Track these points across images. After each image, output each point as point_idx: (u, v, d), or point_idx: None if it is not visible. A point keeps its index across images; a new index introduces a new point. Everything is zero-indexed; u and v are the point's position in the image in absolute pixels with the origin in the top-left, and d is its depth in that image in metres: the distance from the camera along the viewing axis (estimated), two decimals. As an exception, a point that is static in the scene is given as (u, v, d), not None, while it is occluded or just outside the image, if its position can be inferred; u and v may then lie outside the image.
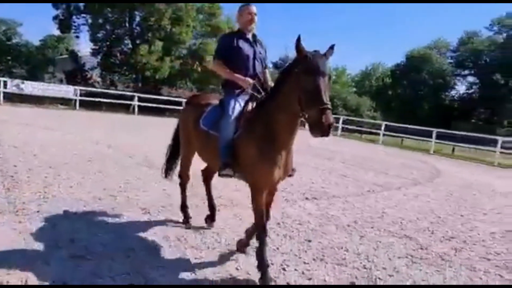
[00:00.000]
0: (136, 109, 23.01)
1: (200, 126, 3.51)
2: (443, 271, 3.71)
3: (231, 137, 3.12)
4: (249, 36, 3.54)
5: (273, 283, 3.07)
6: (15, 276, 2.75)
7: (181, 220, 4.33)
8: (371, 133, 25.56)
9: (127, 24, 27.45)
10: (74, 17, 27.65)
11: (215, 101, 3.63)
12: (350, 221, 5.06)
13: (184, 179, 4.39)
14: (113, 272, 2.97)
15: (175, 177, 6.57)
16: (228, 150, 3.12)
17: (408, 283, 3.36)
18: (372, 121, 28.86)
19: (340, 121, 23.70)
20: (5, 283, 2.65)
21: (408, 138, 22.08)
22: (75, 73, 28.57)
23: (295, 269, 3.40)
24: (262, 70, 3.57)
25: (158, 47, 25.24)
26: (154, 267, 3.15)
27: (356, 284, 3.24)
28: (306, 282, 3.17)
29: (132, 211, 4.53)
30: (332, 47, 2.78)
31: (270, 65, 41.52)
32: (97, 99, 22.03)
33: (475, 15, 77.05)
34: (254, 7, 3.53)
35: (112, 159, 7.66)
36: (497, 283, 3.59)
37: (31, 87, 20.81)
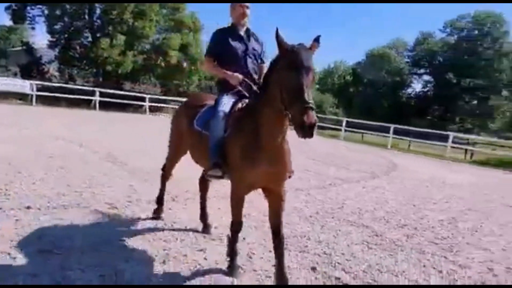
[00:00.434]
0: (98, 105, 22.36)
1: (194, 126, 3.38)
2: (395, 255, 4.05)
3: (220, 136, 3.01)
4: (242, 31, 3.41)
5: (240, 271, 3.24)
6: (-18, 272, 2.75)
7: (151, 214, 4.40)
8: (333, 129, 26.36)
9: (86, 17, 26.51)
10: (28, 7, 26.32)
11: (211, 102, 3.44)
12: (312, 212, 5.33)
13: (166, 174, 4.38)
14: (82, 265, 3.03)
15: (141, 173, 6.61)
16: (218, 149, 2.99)
17: (363, 267, 3.65)
18: (335, 117, 29.77)
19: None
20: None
21: (368, 134, 23.01)
22: (31, 67, 27.24)
23: (261, 257, 3.60)
24: (256, 66, 3.44)
25: (120, 41, 24.63)
26: (124, 259, 3.23)
27: (317, 268, 3.48)
28: (272, 269, 3.37)
29: (98, 206, 4.54)
30: (317, 40, 2.60)
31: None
32: (55, 94, 21.19)
33: (432, 16, 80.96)
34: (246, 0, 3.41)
35: (75, 155, 7.53)
36: (442, 264, 3.96)
37: (-19, 81, 19.68)
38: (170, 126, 4.11)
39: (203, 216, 4.21)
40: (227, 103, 3.15)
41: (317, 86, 48.23)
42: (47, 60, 28.34)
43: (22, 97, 21.08)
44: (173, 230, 4.08)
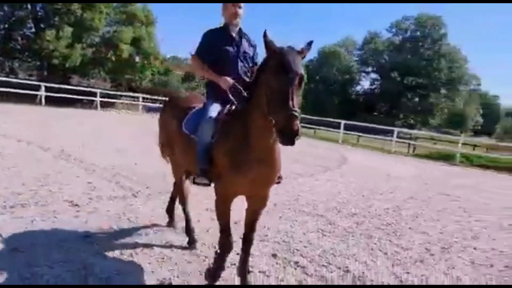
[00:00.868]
0: (44, 100, 21.20)
1: (183, 129, 3.19)
2: (347, 241, 4.44)
3: (208, 142, 2.86)
4: (234, 32, 3.21)
5: (207, 263, 3.43)
6: None
7: (113, 210, 4.43)
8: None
9: (29, 6, 24.92)
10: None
11: (200, 104, 3.31)
12: (270, 205, 5.62)
13: (180, 193, 3.98)
14: (49, 261, 3.07)
15: (98, 170, 6.53)
16: (206, 155, 2.86)
17: (319, 252, 3.98)
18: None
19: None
20: None
21: (321, 129, 23.88)
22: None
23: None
24: (248, 70, 3.26)
25: (67, 33, 23.44)
26: (91, 254, 3.30)
27: (277, 255, 3.76)
28: (237, 257, 3.59)
29: (58, 204, 4.50)
30: (310, 44, 2.52)
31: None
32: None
33: (381, 16, 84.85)
34: None
35: (25, 153, 7.25)
36: (388, 247, 4.41)
37: None
38: (158, 131, 3.92)
39: (171, 210, 4.26)
40: (216, 107, 3.02)
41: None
42: (-17, 52, 26.29)
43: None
44: (137, 225, 4.17)
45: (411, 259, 4.12)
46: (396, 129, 19.96)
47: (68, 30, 23.69)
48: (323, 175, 8.98)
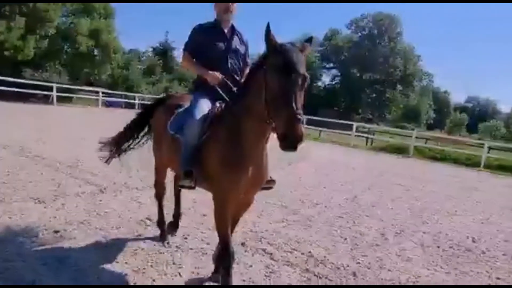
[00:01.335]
0: (-6, 94, 20.01)
1: (168, 129, 3.04)
2: (310, 228, 4.75)
3: (195, 143, 2.72)
4: (226, 28, 3.08)
5: (179, 252, 3.59)
6: None
7: (82, 206, 4.45)
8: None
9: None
10: None
11: (188, 103, 3.11)
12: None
13: (158, 189, 3.92)
14: (22, 256, 3.11)
15: (62, 167, 6.44)
16: (191, 157, 2.72)
17: (285, 239, 4.25)
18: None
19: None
20: None
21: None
22: None
23: (195, 238, 3.99)
24: (238, 68, 3.11)
25: (19, 24, 22.22)
26: (64, 248, 3.36)
27: (246, 243, 3.98)
28: (205, 246, 3.78)
29: (23, 201, 4.46)
30: (309, 40, 2.40)
31: (150, 50, 39.95)
32: None
33: (342, 13, 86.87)
34: None
35: (-18, 151, 6.98)
36: (347, 233, 4.76)
37: None
38: (153, 133, 3.79)
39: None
40: (203, 105, 2.86)
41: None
42: None
43: None
44: (108, 219, 4.23)
45: (368, 243, 4.49)
46: (355, 124, 20.79)
47: (20, 21, 22.46)
48: (288, 168, 9.31)
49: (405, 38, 48.25)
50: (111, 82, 30.79)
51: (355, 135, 20.42)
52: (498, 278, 3.91)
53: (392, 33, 47.47)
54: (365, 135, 22.24)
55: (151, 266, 3.28)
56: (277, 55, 2.19)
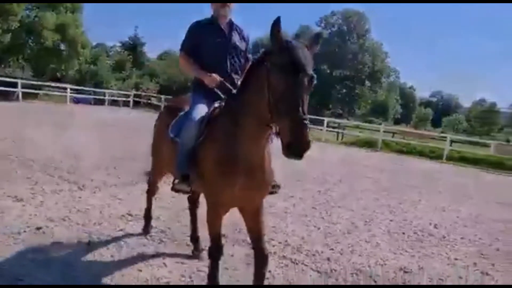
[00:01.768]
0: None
1: (168, 133, 2.92)
2: (285, 219, 5.01)
3: (191, 145, 2.62)
4: (224, 24, 2.92)
5: (162, 244, 3.73)
6: None
7: (61, 203, 4.49)
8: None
9: None
10: None
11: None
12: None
13: (152, 188, 3.92)
14: (6, 252, 3.17)
15: (36, 165, 6.39)
16: (187, 160, 2.63)
17: (262, 230, 4.47)
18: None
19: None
20: None
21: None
22: None
23: (177, 230, 4.15)
24: (238, 66, 2.96)
25: (-21, 16, 21.23)
26: (48, 244, 3.44)
27: (226, 234, 4.17)
28: (187, 238, 3.93)
29: (1, 200, 4.45)
30: (317, 36, 2.21)
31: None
32: None
33: (312, 11, 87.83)
34: None
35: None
36: (320, 223, 5.05)
37: None
38: (153, 133, 3.64)
39: (195, 233, 3.71)
40: (201, 107, 2.76)
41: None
42: None
43: None
44: (89, 215, 4.30)
45: (340, 231, 4.80)
46: (326, 119, 21.35)
47: (-20, 14, 21.47)
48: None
49: (373, 35, 49.62)
50: (79, 78, 29.94)
51: (326, 130, 20.97)
52: (456, 259, 4.30)
53: (360, 30, 48.65)
54: (336, 130, 22.88)
55: (137, 258, 3.41)
56: (283, 52, 1.99)
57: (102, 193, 5.21)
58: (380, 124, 24.92)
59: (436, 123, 55.56)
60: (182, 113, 2.96)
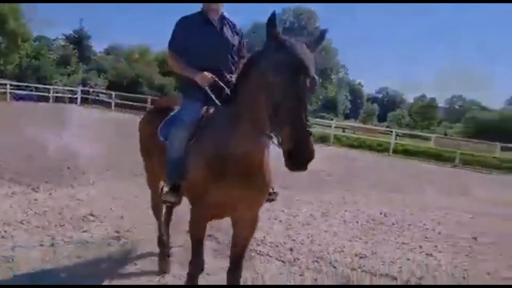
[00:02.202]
0: None
1: (158, 136, 2.70)
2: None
3: (182, 150, 2.42)
4: (215, 19, 2.69)
5: (128, 245, 3.74)
6: None
7: (26, 206, 4.33)
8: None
9: None
10: None
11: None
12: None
13: (156, 206, 3.39)
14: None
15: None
16: (178, 167, 2.42)
17: (226, 226, 4.60)
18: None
19: (149, 101, 24.22)
20: None
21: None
22: None
23: (144, 228, 4.15)
24: (231, 63, 2.73)
25: None
26: (8, 248, 3.35)
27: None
28: (153, 236, 3.97)
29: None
30: (322, 36, 2.02)
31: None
32: None
33: (264, 7, 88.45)
34: None
35: None
36: (282, 216, 5.27)
37: None
38: (139, 137, 3.30)
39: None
40: (192, 108, 2.56)
41: (158, 68, 47.65)
42: None
43: None
44: (48, 218, 4.19)
45: (300, 223, 5.06)
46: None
47: None
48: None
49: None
50: (19, 73, 28.00)
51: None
52: (403, 243, 4.73)
53: (311, 27, 49.98)
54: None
55: (104, 257, 3.42)
56: (281, 51, 1.82)
57: (58, 194, 5.07)
58: (331, 119, 25.83)
59: (382, 118, 58.46)
60: (171, 114, 2.75)
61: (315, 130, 22.26)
